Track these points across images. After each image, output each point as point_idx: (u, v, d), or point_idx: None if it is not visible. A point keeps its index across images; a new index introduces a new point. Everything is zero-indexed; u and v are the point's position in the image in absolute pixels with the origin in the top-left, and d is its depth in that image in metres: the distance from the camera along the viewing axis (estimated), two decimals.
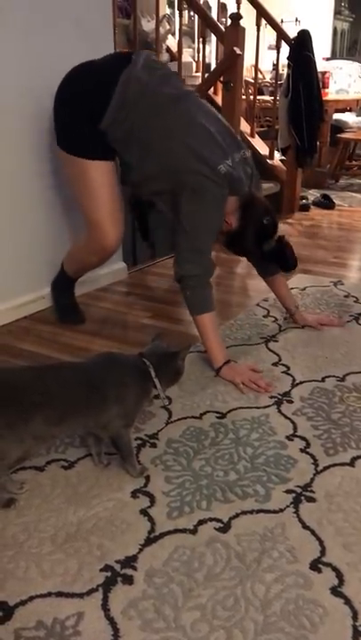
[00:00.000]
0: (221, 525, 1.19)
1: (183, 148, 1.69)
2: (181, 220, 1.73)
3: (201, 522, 1.20)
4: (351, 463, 1.39)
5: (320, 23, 7.09)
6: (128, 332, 2.15)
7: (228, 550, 1.12)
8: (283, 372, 1.83)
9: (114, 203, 1.92)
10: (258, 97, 4.53)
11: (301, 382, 1.77)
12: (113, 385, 1.26)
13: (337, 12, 7.35)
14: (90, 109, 1.78)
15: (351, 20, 7.62)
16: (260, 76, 4.91)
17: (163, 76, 1.80)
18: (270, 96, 4.89)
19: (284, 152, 4.02)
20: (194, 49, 5.07)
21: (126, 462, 1.33)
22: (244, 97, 4.31)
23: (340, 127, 5.46)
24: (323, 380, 1.78)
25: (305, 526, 1.18)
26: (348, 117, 5.74)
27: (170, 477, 1.33)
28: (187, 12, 3.53)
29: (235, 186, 1.74)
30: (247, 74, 5.22)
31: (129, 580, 1.05)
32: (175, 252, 1.78)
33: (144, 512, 1.22)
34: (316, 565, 1.09)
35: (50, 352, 1.97)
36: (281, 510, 1.23)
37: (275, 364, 1.88)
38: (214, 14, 4.43)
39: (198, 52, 4.34)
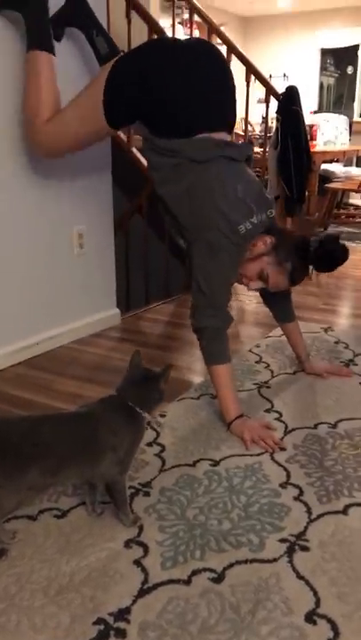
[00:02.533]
0: (215, 576, 1.18)
1: (210, 202, 1.70)
2: (196, 276, 1.74)
3: (195, 572, 1.19)
4: (344, 511, 1.39)
5: (307, 78, 7.37)
6: (121, 378, 2.15)
7: (223, 601, 1.11)
8: (275, 419, 1.84)
9: None
10: (238, 145, 4.66)
11: (294, 429, 1.77)
12: (107, 433, 1.26)
13: (323, 69, 7.65)
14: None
15: (337, 75, 7.93)
16: (250, 128, 5.07)
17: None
18: (260, 147, 5.04)
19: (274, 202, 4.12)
20: None
21: (120, 511, 1.32)
22: None
23: (327, 177, 5.61)
24: (315, 426, 1.79)
25: (299, 576, 1.18)
26: (336, 168, 5.91)
27: (163, 527, 1.33)
28: None
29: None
30: (238, 126, 5.40)
31: (122, 634, 1.04)
32: (192, 305, 1.78)
33: (137, 562, 1.21)
34: (311, 617, 1.08)
35: (44, 399, 1.97)
36: (275, 560, 1.22)
37: (267, 411, 1.89)
38: None
39: None
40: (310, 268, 1.83)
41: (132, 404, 1.30)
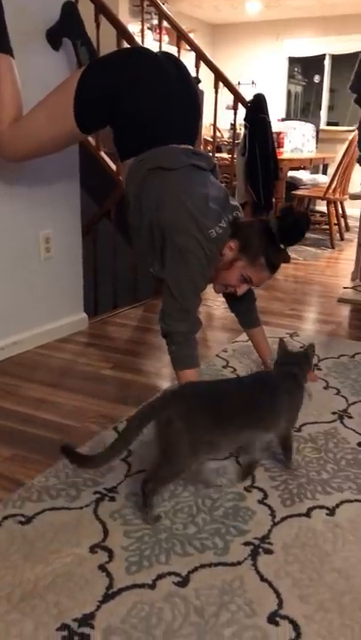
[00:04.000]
0: (180, 579, 1.19)
1: (180, 206, 1.72)
2: (167, 282, 1.75)
3: (160, 576, 1.19)
4: (307, 514, 1.41)
5: (275, 86, 7.46)
6: (89, 383, 2.15)
7: (187, 605, 1.12)
8: None
9: None
10: (216, 155, 4.70)
11: None
12: (285, 395, 1.54)
13: (291, 76, 7.75)
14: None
15: (304, 84, 8.04)
16: (218, 134, 5.11)
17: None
18: (228, 154, 5.09)
19: (241, 208, 4.16)
20: None
21: (288, 460, 1.60)
22: None
23: (294, 184, 5.69)
24: None
25: (263, 579, 1.19)
26: (303, 175, 6.00)
27: (129, 531, 1.33)
28: None
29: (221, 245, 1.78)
30: (206, 132, 5.44)
31: None
32: (162, 310, 1.78)
33: (102, 567, 1.21)
34: (273, 619, 1.09)
35: (9, 405, 1.95)
36: (239, 563, 1.24)
37: None
38: None
39: None
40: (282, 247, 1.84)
41: (297, 375, 1.59)
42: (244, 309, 2.12)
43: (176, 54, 3.45)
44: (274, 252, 1.82)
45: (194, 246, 1.71)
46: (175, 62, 1.94)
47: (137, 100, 1.81)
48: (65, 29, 2.24)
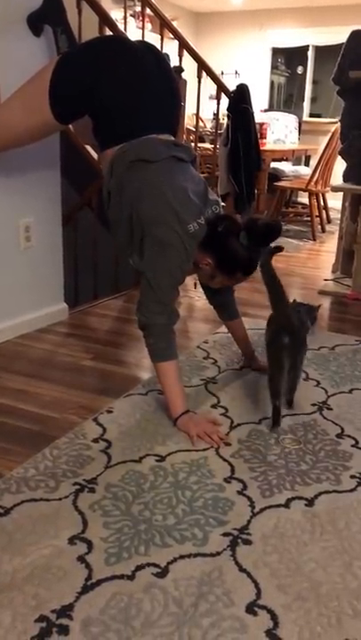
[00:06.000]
0: (159, 570, 1.19)
1: (161, 198, 1.72)
2: (145, 272, 1.75)
3: (139, 567, 1.20)
4: (286, 505, 1.42)
5: (259, 76, 7.44)
6: (69, 373, 2.14)
7: (166, 596, 1.12)
8: (221, 415, 1.86)
9: None
10: (199, 145, 4.68)
11: (239, 424, 1.80)
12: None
13: (274, 67, 7.73)
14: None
15: (287, 75, 8.03)
16: (201, 124, 5.09)
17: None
18: (211, 144, 5.07)
19: (223, 199, 4.16)
20: None
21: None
22: None
23: (277, 175, 5.70)
24: (260, 421, 1.83)
25: (241, 569, 1.20)
26: (285, 166, 6.01)
27: (108, 523, 1.33)
28: None
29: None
30: (189, 122, 5.41)
31: (64, 631, 1.04)
32: (139, 302, 1.78)
33: (81, 559, 1.21)
34: (251, 608, 1.10)
35: None
36: (218, 554, 1.24)
37: (213, 406, 1.91)
38: None
39: None
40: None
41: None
42: (222, 302, 2.12)
43: (159, 42, 3.43)
44: (248, 264, 1.82)
45: (174, 239, 1.70)
46: (154, 51, 1.92)
47: (114, 90, 1.79)
48: (46, 16, 2.20)
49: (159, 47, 3.54)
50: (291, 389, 1.89)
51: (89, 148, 3.25)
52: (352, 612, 1.11)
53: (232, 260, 1.80)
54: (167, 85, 1.91)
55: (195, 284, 2.08)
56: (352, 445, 1.71)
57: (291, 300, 1.93)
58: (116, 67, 1.80)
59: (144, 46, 1.93)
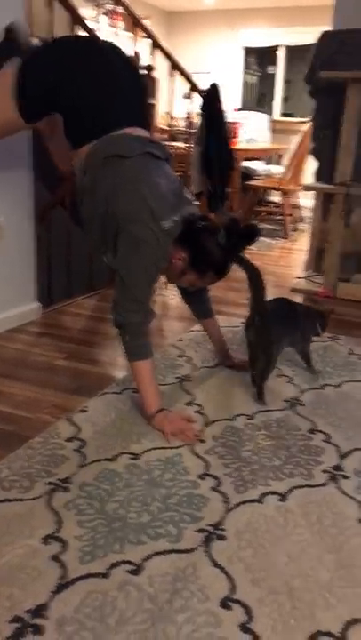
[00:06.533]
0: (134, 568, 1.19)
1: (135, 194, 1.72)
2: (120, 270, 1.74)
3: (114, 565, 1.20)
4: (260, 500, 1.44)
5: (231, 76, 7.48)
6: (42, 373, 2.13)
7: (141, 593, 1.13)
8: (196, 412, 1.87)
9: None
10: (172, 144, 4.69)
11: (213, 421, 1.82)
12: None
13: (246, 67, 7.78)
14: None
15: (259, 74, 8.09)
16: (174, 123, 5.10)
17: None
18: (185, 143, 5.08)
19: (196, 198, 4.17)
20: None
21: (309, 365, 2.20)
22: None
23: (249, 175, 5.74)
24: (233, 418, 1.84)
25: (216, 564, 1.21)
26: (257, 165, 6.05)
27: (82, 521, 1.33)
28: None
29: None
30: (162, 120, 5.42)
31: (39, 631, 1.03)
32: (114, 300, 1.77)
33: (56, 558, 1.21)
34: (226, 603, 1.11)
35: None
36: (192, 550, 1.25)
37: (188, 404, 1.92)
38: None
39: None
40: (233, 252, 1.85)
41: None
42: (197, 301, 2.13)
43: (131, 41, 3.42)
44: (222, 264, 1.83)
45: (149, 236, 1.70)
46: (117, 51, 1.92)
47: (82, 89, 1.79)
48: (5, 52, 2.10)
49: (132, 46, 3.54)
50: (261, 377, 1.96)
51: None
52: (324, 604, 1.13)
53: (207, 258, 1.81)
54: (135, 83, 1.92)
55: (165, 282, 2.08)
56: (324, 440, 1.74)
57: (303, 306, 2.21)
58: (82, 65, 1.80)
59: (109, 45, 1.94)
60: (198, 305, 2.14)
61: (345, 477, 1.55)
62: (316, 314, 2.15)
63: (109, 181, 1.75)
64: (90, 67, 1.81)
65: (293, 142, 5.16)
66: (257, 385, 1.98)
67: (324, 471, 1.58)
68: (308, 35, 6.65)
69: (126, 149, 1.76)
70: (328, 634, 1.06)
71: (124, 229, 1.74)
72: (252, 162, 6.03)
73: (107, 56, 1.85)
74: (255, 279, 1.89)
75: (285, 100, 7.74)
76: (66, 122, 1.84)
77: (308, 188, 3.55)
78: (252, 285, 1.90)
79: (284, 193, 5.13)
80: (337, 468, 1.60)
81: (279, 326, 1.98)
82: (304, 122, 5.46)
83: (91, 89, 1.80)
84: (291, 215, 5.36)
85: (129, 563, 1.21)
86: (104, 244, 1.85)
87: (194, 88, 3.95)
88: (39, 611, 1.07)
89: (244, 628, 1.06)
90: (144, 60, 3.49)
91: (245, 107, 7.65)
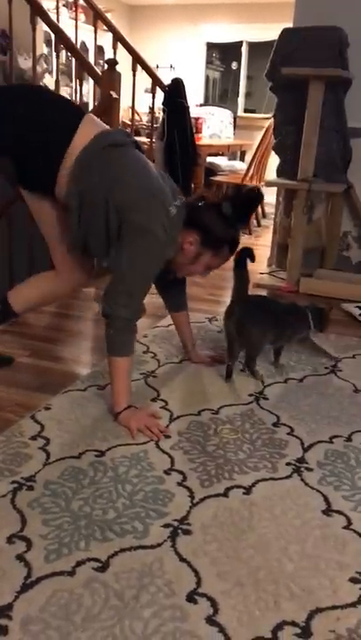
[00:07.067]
0: (100, 565, 1.19)
1: (138, 185, 1.70)
2: (120, 260, 1.70)
3: (79, 563, 1.19)
4: (225, 494, 1.45)
5: (194, 71, 7.47)
6: (5, 371, 2.10)
7: (107, 589, 1.13)
8: (161, 407, 1.87)
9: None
10: (135, 138, 4.66)
11: (179, 416, 1.82)
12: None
13: (209, 62, 7.78)
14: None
15: (222, 70, 8.11)
16: (137, 117, 5.07)
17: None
18: (147, 138, 5.06)
19: None
20: (71, 88, 5.14)
21: (319, 351, 2.34)
22: None
23: (213, 170, 5.75)
24: (199, 413, 1.85)
25: (182, 559, 1.22)
26: (221, 161, 6.07)
27: (47, 520, 1.32)
28: (64, 52, 3.59)
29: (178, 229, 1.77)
30: (125, 115, 5.38)
31: (3, 631, 1.02)
32: (106, 290, 1.73)
33: (20, 557, 1.20)
34: (192, 597, 1.12)
35: None
36: (159, 545, 1.26)
37: (153, 400, 1.92)
38: (91, 56, 4.54)
39: (76, 92, 4.41)
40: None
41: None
42: (174, 292, 2.12)
43: (93, 34, 3.39)
44: (233, 235, 1.87)
45: (154, 225, 1.68)
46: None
47: (23, 127, 1.74)
48: None
49: (93, 39, 3.50)
50: (249, 363, 2.10)
51: None
52: (289, 595, 1.14)
53: (218, 232, 1.82)
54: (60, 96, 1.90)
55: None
56: (287, 433, 1.76)
57: (294, 302, 2.29)
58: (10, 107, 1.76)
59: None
60: (174, 296, 2.13)
61: (308, 470, 1.58)
62: (316, 311, 2.19)
63: (108, 175, 1.70)
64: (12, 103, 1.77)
65: (256, 138, 5.20)
66: (249, 369, 2.10)
67: (288, 464, 1.60)
68: (270, 31, 6.68)
69: (118, 139, 1.76)
70: (292, 623, 1.08)
71: (127, 220, 1.69)
72: (215, 157, 6.05)
73: (22, 86, 1.84)
74: (243, 284, 2.03)
75: (248, 95, 7.78)
76: (23, 163, 1.80)
77: (270, 184, 3.58)
78: (237, 276, 2.00)
79: None
80: (301, 460, 1.62)
81: (263, 322, 2.06)
82: (266, 118, 5.50)
83: (31, 118, 1.74)
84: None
85: (95, 560, 1.20)
86: (107, 245, 1.79)
87: (156, 83, 3.94)
88: (3, 611, 1.06)
89: (210, 620, 1.07)
90: (106, 55, 3.46)
91: (208, 102, 7.67)
